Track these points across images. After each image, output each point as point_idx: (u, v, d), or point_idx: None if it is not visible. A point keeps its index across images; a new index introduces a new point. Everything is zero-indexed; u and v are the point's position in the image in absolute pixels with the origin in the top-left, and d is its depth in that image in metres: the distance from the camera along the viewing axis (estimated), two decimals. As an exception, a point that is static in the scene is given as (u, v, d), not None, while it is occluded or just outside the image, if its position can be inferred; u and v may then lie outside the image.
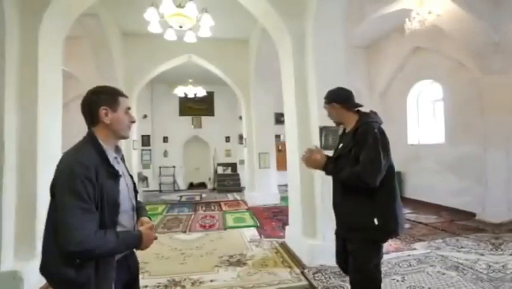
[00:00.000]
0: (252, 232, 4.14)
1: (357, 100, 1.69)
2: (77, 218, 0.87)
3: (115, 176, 1.03)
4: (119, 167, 1.11)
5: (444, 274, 2.57)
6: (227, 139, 9.83)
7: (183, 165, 9.61)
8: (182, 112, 9.64)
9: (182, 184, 9.45)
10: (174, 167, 9.21)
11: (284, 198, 6.94)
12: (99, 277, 0.95)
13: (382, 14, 4.33)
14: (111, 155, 1.07)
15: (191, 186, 9.75)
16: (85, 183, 0.90)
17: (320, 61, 2.95)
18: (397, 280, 2.44)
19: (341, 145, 1.68)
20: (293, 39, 3.12)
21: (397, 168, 5.87)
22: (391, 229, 1.47)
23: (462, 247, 3.31)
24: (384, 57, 7.03)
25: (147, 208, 6.10)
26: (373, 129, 1.47)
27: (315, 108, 2.93)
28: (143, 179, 7.06)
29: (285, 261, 2.98)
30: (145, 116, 9.03)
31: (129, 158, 5.86)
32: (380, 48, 7.11)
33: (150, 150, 9.19)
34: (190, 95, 6.54)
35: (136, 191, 1.21)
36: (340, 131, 1.86)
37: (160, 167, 9.14)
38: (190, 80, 6.42)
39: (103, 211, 0.96)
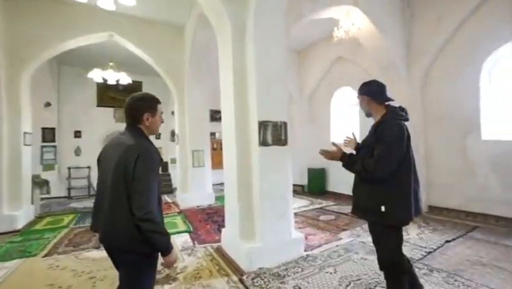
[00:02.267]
0: (184, 239, 3.78)
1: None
2: (153, 190, 1.25)
3: (161, 161, 1.41)
4: None
5: (366, 259, 2.89)
6: (158, 135, 8.90)
7: (102, 165, 8.22)
8: (102, 102, 8.20)
9: (99, 188, 8.07)
10: (89, 167, 7.78)
11: (219, 198, 6.74)
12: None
13: (313, 20, 4.59)
14: None
15: (112, 189, 8.49)
16: (156, 167, 1.29)
17: (261, 53, 2.85)
18: (331, 273, 2.59)
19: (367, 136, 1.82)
20: (233, 25, 2.93)
21: (321, 165, 6.41)
22: (399, 217, 1.59)
23: (375, 233, 3.83)
24: (313, 63, 7.64)
25: (47, 219, 5.09)
26: (393, 126, 1.59)
27: (255, 101, 2.83)
28: (41, 184, 5.60)
29: (221, 268, 2.77)
30: (48, 104, 7.31)
31: (17, 156, 4.57)
32: (310, 54, 7.68)
33: (55, 146, 7.52)
34: (111, 81, 5.54)
35: None
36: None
37: (70, 168, 7.58)
38: (111, 64, 5.46)
39: (160, 186, 1.33)
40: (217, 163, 9.60)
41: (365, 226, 4.13)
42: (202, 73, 5.98)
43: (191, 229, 4.19)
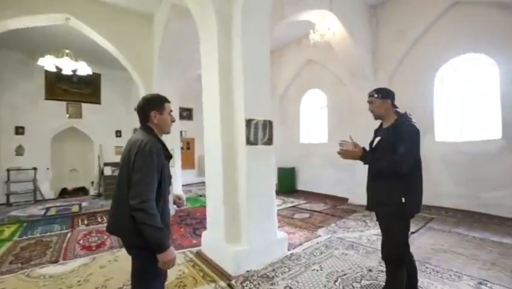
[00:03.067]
0: (160, 244, 3.51)
1: None
2: (149, 181, 1.29)
3: (170, 157, 1.48)
4: None
5: (346, 254, 3.01)
6: (119, 133, 8.16)
7: (51, 166, 7.20)
8: (51, 95, 7.15)
9: (49, 192, 7.07)
10: (35, 169, 6.76)
11: (190, 200, 6.47)
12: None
13: (287, 22, 4.67)
14: (164, 143, 1.48)
15: (64, 193, 7.53)
16: (156, 159, 1.32)
17: (248, 49, 2.77)
18: (317, 270, 2.63)
19: (377, 138, 1.91)
20: (218, 18, 2.79)
21: (290, 165, 6.56)
22: (416, 207, 1.75)
23: (349, 228, 4.04)
24: (284, 63, 7.78)
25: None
26: (411, 127, 1.73)
27: (242, 99, 2.73)
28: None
29: (206, 274, 2.62)
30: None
31: None
32: (282, 54, 7.80)
33: (-12, 145, 6.39)
34: (66, 71, 4.84)
35: None
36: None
37: (9, 170, 6.49)
38: (67, 51, 4.80)
39: (163, 181, 1.37)
40: (186, 163, 9.24)
41: (340, 222, 4.35)
42: (172, 68, 5.64)
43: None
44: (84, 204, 6.30)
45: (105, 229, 4.17)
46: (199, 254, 3.09)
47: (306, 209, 5.41)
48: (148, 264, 1.33)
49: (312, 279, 2.45)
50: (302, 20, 4.73)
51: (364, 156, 1.89)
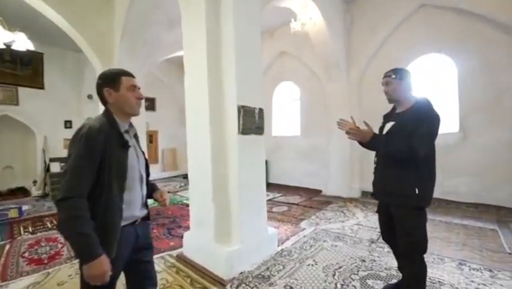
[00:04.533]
0: (131, 249, 3.08)
1: None
2: (76, 174, 1.04)
3: (124, 144, 1.19)
4: (129, 140, 1.25)
5: (336, 246, 3.00)
6: (68, 124, 7.04)
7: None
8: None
9: (-28, 194, 5.80)
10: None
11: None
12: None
13: (265, 12, 4.47)
14: (123, 128, 1.23)
15: (-5, 195, 6.28)
16: (90, 146, 1.06)
17: (241, 32, 2.49)
18: (312, 265, 2.54)
19: (391, 123, 1.76)
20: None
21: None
22: (430, 198, 1.67)
23: (330, 219, 4.09)
24: (256, 55, 7.57)
25: None
26: (433, 112, 1.61)
27: (234, 84, 2.45)
28: None
29: (194, 281, 2.33)
30: None
31: None
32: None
33: None
34: (-1, 44, 3.88)
35: (147, 167, 1.38)
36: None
37: None
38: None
39: (111, 175, 1.10)
40: (149, 157, 8.48)
41: (319, 214, 4.38)
42: (137, 52, 5.01)
43: (136, 237, 3.44)
44: (25, 207, 5.28)
45: (54, 236, 3.55)
46: (181, 258, 2.77)
47: (283, 202, 5.37)
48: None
49: (311, 275, 2.36)
50: (276, 11, 4.59)
51: (375, 137, 1.75)
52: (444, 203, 4.54)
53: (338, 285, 2.19)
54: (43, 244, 3.32)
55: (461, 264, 2.48)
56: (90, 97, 7.05)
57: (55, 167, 6.38)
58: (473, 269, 2.38)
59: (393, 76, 1.75)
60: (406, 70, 1.79)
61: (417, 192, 1.60)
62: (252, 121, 2.63)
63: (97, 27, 4.65)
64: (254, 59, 2.68)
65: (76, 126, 7.07)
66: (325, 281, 2.26)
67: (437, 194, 4.65)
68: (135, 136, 1.34)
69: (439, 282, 2.19)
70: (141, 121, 5.56)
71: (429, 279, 2.20)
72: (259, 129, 2.72)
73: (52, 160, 6.46)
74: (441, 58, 4.77)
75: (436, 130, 1.60)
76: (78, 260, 1.12)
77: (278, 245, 3.00)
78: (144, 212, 1.33)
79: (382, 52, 5.38)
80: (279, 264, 2.59)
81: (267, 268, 2.51)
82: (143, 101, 1.35)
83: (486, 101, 4.29)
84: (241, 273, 2.40)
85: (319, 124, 6.43)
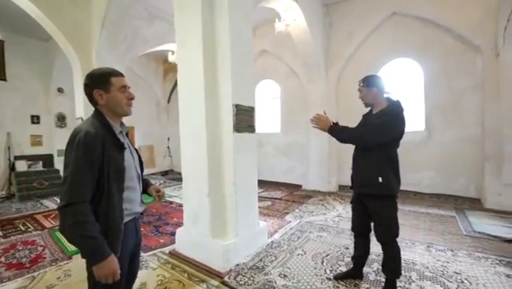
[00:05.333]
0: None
1: None
2: (76, 180, 1.05)
3: (120, 147, 1.21)
4: (124, 140, 1.27)
5: (321, 236, 3.24)
6: (36, 119, 6.50)
7: None
8: None
9: None
10: None
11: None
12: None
13: (257, 6, 4.56)
14: (117, 129, 1.25)
15: None
16: (88, 153, 1.07)
17: (236, 29, 2.56)
18: (302, 254, 2.74)
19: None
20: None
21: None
22: (394, 187, 1.88)
23: (312, 212, 4.35)
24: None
25: None
26: (394, 112, 1.86)
27: (229, 83, 2.52)
28: None
29: (192, 275, 2.39)
30: None
31: None
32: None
33: None
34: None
35: (141, 163, 1.40)
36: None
37: None
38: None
39: (110, 177, 1.12)
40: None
41: (302, 208, 4.63)
42: (117, 45, 4.81)
43: (123, 237, 3.37)
44: (-12, 210, 4.86)
45: (31, 239, 3.36)
46: (174, 255, 2.80)
47: (266, 197, 5.55)
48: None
49: (301, 263, 2.55)
50: (258, 10, 4.69)
51: (333, 126, 2.02)
52: (411, 195, 5.04)
53: (328, 271, 2.40)
54: (20, 248, 3.13)
55: (429, 247, 2.84)
56: (60, 90, 6.57)
57: (22, 166, 5.93)
58: (439, 250, 2.75)
59: (362, 84, 2.02)
60: (374, 77, 2.03)
61: (380, 181, 1.84)
62: (245, 120, 2.73)
63: (72, 17, 4.39)
64: (247, 58, 2.78)
65: (44, 121, 6.60)
66: (315, 268, 2.46)
67: (405, 186, 5.16)
68: (126, 134, 1.36)
69: (412, 262, 2.51)
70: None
71: (404, 260, 2.51)
72: (251, 127, 2.84)
73: (18, 158, 5.98)
74: (410, 63, 5.24)
75: (392, 126, 1.85)
76: (85, 261, 1.15)
77: (268, 238, 3.16)
78: (143, 207, 1.38)
79: (358, 54, 5.75)
80: (271, 255, 2.74)
81: (260, 260, 2.65)
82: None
83: (447, 103, 4.82)
84: (237, 265, 2.52)
85: (298, 122, 6.69)
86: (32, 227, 3.89)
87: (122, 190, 1.18)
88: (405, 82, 5.40)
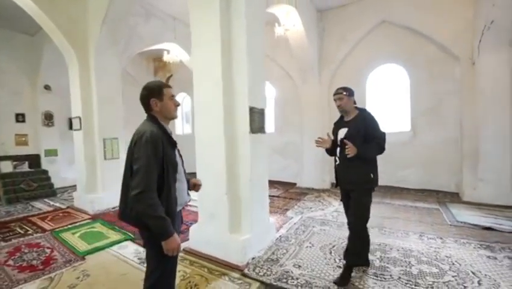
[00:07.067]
0: (131, 249, 3.04)
1: None
2: (147, 171, 1.28)
3: (174, 144, 1.48)
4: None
5: (324, 230, 3.47)
6: (21, 118, 6.19)
7: None
8: None
9: None
10: None
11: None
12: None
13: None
14: (169, 130, 1.49)
15: None
16: (154, 148, 1.30)
17: (252, 30, 2.70)
18: (310, 247, 2.95)
19: (345, 129, 2.27)
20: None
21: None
22: (377, 181, 2.25)
23: (311, 208, 4.60)
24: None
25: None
26: (374, 117, 2.26)
27: (246, 85, 2.65)
28: None
29: (212, 270, 2.51)
30: None
31: None
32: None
33: None
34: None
35: (183, 161, 1.61)
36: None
37: None
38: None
39: (168, 170, 1.36)
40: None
41: (300, 204, 4.86)
42: (117, 43, 4.75)
43: (133, 236, 3.41)
44: (-25, 214, 4.61)
45: (34, 241, 3.30)
46: (189, 252, 2.90)
47: (264, 195, 5.73)
48: (159, 247, 1.34)
49: (312, 254, 2.76)
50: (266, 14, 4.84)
51: (359, 151, 2.11)
52: (399, 190, 5.45)
53: (337, 260, 2.63)
54: (26, 251, 3.08)
55: (421, 236, 3.17)
56: (47, 88, 6.31)
57: (7, 166, 5.66)
58: (430, 238, 3.08)
59: (344, 93, 2.30)
60: (351, 88, 2.36)
61: (371, 176, 2.20)
62: (258, 121, 2.88)
63: (68, 12, 4.29)
64: (261, 60, 2.93)
65: (30, 119, 6.34)
66: (325, 258, 2.68)
67: (393, 182, 5.55)
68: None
69: (409, 250, 2.80)
70: (120, 115, 5.29)
71: (402, 248, 2.82)
72: (262, 128, 3.00)
73: (2, 158, 5.70)
74: (398, 68, 5.64)
75: (379, 127, 2.25)
76: (145, 245, 1.49)
77: (276, 233, 3.35)
78: (189, 197, 1.62)
79: (350, 59, 6.08)
80: (281, 248, 2.93)
81: (273, 253, 2.83)
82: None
83: (430, 106, 5.27)
84: (253, 258, 2.68)
85: (293, 123, 6.94)
86: (31, 230, 3.80)
87: (176, 181, 1.42)
88: (392, 86, 5.80)
